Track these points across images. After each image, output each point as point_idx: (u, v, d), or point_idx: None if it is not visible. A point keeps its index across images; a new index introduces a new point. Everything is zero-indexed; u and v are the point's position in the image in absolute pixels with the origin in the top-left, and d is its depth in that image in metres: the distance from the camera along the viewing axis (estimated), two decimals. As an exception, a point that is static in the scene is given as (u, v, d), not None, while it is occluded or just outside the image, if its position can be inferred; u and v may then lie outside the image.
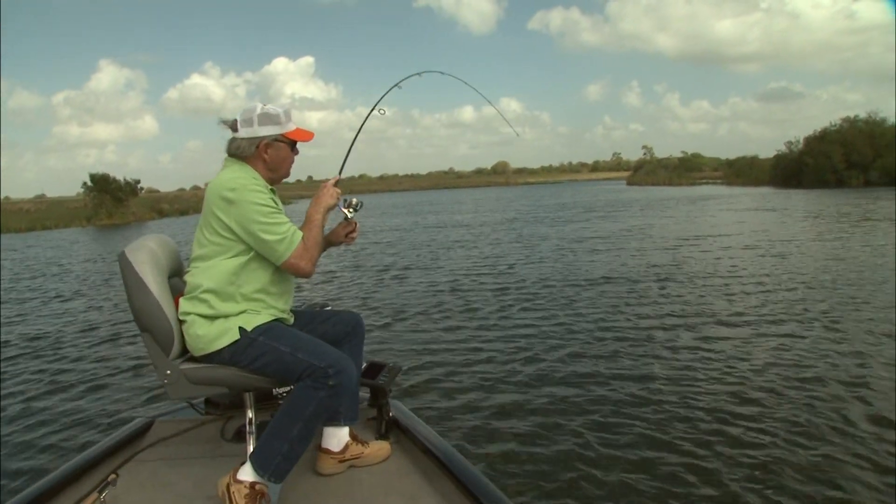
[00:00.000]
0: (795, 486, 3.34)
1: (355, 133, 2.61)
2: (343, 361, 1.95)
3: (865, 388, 4.65)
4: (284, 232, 1.98)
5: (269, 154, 2.09)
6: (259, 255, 2.03)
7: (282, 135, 2.10)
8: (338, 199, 2.19)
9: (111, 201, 38.56)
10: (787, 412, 4.27)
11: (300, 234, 2.02)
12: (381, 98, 2.62)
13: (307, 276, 2.06)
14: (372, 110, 2.60)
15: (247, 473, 1.94)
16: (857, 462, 3.54)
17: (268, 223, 1.97)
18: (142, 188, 44.44)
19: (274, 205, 2.02)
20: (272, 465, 1.92)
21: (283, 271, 2.10)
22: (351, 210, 2.27)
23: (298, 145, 2.19)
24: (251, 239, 1.98)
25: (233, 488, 1.92)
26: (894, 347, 5.59)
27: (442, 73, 3.19)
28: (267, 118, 2.07)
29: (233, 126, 2.10)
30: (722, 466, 3.55)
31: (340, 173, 2.31)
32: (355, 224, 2.32)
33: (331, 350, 1.99)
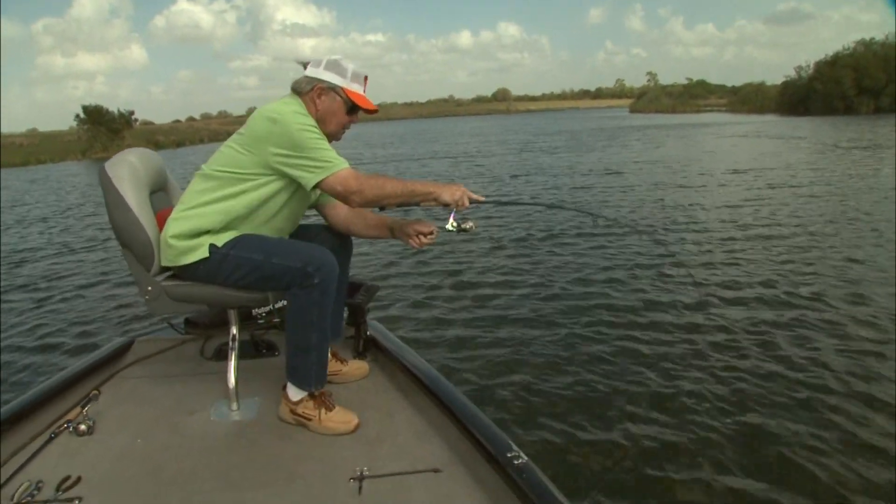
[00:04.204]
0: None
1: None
2: (320, 254, 1.93)
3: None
4: (328, 157, 1.91)
5: (321, 100, 2.03)
6: (265, 199, 1.99)
7: (342, 89, 2.02)
8: (457, 205, 1.99)
9: (106, 134, 37.96)
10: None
11: (347, 164, 1.94)
12: None
13: (352, 197, 1.94)
14: None
15: (296, 392, 2.02)
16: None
17: (311, 143, 1.90)
18: (136, 120, 43.75)
19: (320, 133, 1.95)
20: (312, 377, 2.01)
21: (283, 227, 2.11)
22: (455, 224, 2.04)
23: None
24: (286, 160, 1.91)
25: (299, 409, 2.02)
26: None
27: None
28: (334, 66, 2.03)
29: (304, 65, 2.09)
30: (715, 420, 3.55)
31: (484, 200, 2.09)
32: (431, 232, 2.15)
33: (305, 247, 1.97)
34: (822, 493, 2.69)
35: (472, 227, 2.06)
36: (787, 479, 2.79)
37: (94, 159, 34.78)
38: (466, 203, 2.00)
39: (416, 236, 2.17)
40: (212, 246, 1.97)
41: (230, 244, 1.98)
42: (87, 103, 39.19)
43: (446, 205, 2.00)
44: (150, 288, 2.09)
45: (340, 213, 2.29)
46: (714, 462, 2.93)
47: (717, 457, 2.96)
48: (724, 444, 3.06)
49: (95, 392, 2.28)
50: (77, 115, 38.68)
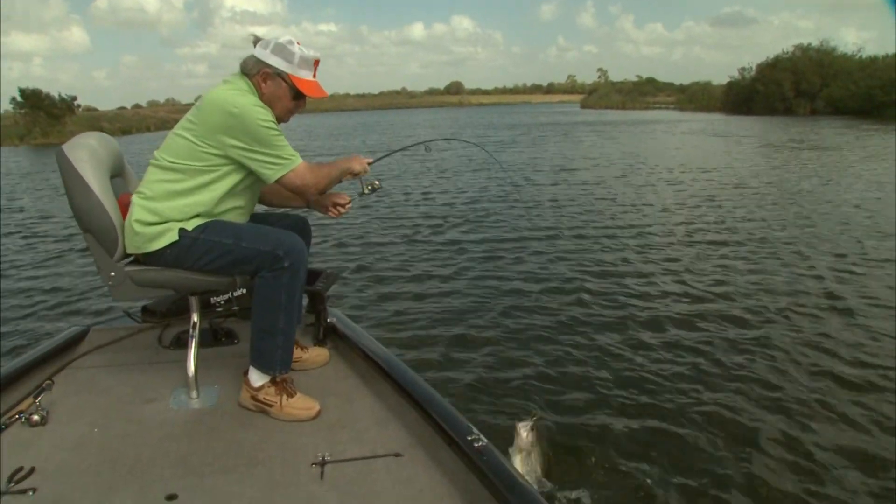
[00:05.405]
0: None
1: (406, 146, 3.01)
2: (289, 239, 1.98)
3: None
4: (287, 153, 1.97)
5: (266, 85, 2.01)
6: (230, 187, 2.00)
7: (288, 76, 2.00)
8: (364, 172, 2.21)
9: (46, 119, 36.32)
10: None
11: (300, 158, 2.00)
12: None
13: (309, 190, 2.06)
14: None
15: (258, 378, 2.04)
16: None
17: (272, 140, 1.93)
18: (79, 105, 41.96)
19: (279, 128, 1.98)
20: (277, 360, 2.02)
21: (245, 207, 2.12)
22: (369, 187, 2.31)
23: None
24: (246, 153, 1.92)
25: (260, 395, 2.03)
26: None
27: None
28: (280, 50, 1.99)
29: (255, 42, 2.02)
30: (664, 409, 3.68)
31: (373, 160, 2.30)
32: (348, 202, 2.34)
33: (272, 232, 2.02)
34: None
35: (378, 184, 2.35)
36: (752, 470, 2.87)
37: (32, 146, 33.20)
38: (367, 168, 2.22)
39: (334, 207, 2.32)
40: (181, 230, 1.96)
41: (200, 228, 1.98)
42: (24, 86, 37.38)
43: (356, 174, 2.20)
44: (113, 273, 2.06)
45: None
46: (673, 448, 3.03)
47: (675, 444, 3.06)
48: (685, 434, 3.15)
49: (49, 382, 2.23)
50: (13, 98, 36.91)
